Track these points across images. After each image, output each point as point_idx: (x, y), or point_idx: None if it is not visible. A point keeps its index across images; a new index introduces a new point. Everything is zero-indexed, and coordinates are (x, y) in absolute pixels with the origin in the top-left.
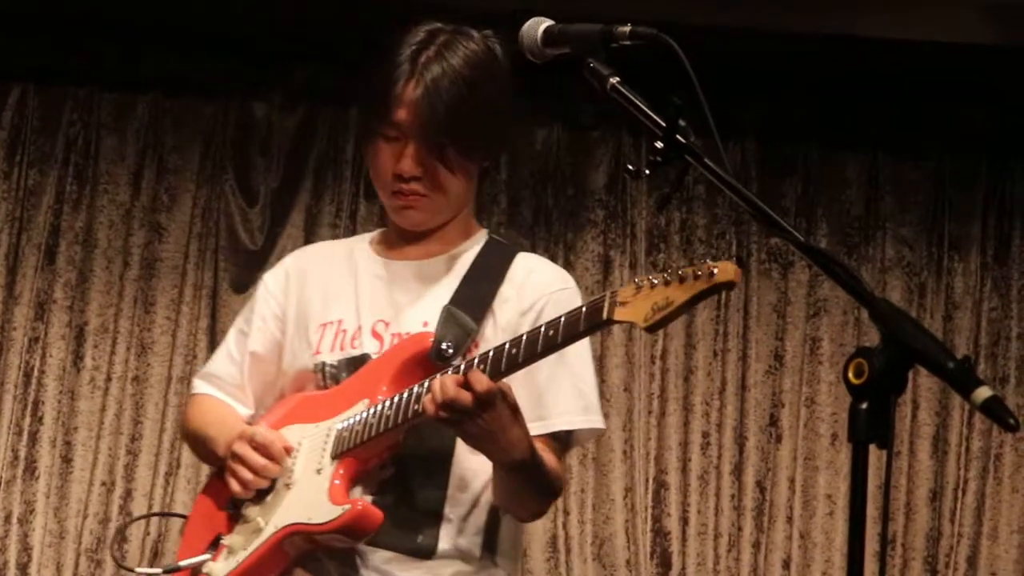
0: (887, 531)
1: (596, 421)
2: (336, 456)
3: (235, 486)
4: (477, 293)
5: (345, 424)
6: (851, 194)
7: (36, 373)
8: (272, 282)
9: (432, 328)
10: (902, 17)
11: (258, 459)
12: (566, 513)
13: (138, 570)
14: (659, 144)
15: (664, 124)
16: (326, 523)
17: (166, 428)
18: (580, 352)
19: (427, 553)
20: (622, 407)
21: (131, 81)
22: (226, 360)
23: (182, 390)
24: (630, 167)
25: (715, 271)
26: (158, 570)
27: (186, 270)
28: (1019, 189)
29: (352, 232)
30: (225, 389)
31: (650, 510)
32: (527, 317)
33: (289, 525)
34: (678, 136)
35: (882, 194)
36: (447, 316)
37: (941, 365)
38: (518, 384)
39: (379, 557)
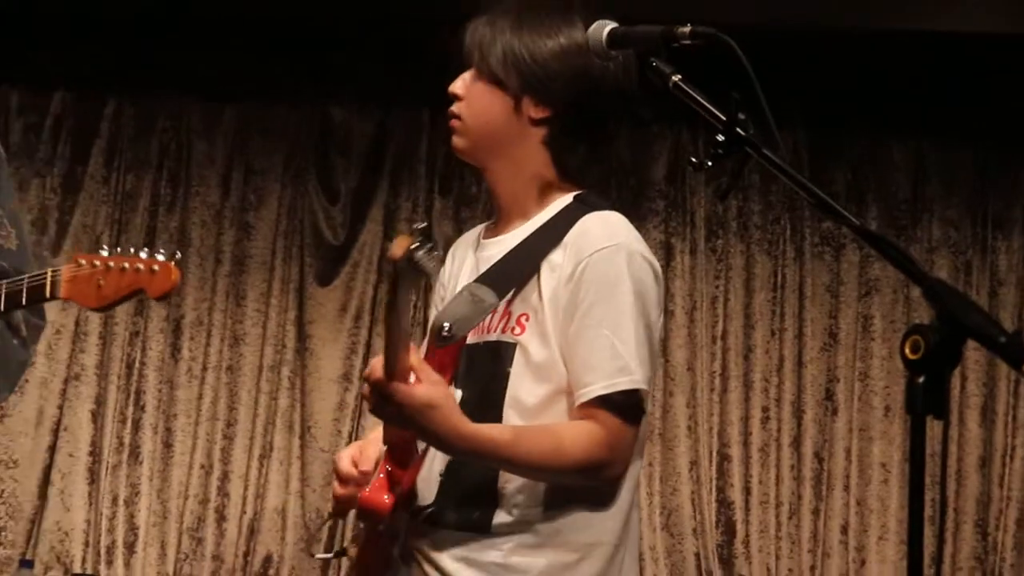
0: (945, 497)
1: (628, 382)
2: None
3: None
4: (517, 265)
5: None
6: (899, 179)
7: (137, 365)
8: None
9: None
10: (944, 9)
11: None
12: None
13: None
14: (720, 137)
15: (724, 118)
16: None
17: (259, 414)
18: (617, 305)
19: (483, 528)
20: (686, 385)
21: (218, 90)
22: None
23: (272, 378)
24: (693, 159)
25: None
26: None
27: (274, 265)
28: None
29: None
30: None
31: (714, 481)
32: (569, 287)
33: None
34: (738, 129)
35: (928, 178)
36: (459, 295)
37: (993, 339)
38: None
39: (440, 535)
